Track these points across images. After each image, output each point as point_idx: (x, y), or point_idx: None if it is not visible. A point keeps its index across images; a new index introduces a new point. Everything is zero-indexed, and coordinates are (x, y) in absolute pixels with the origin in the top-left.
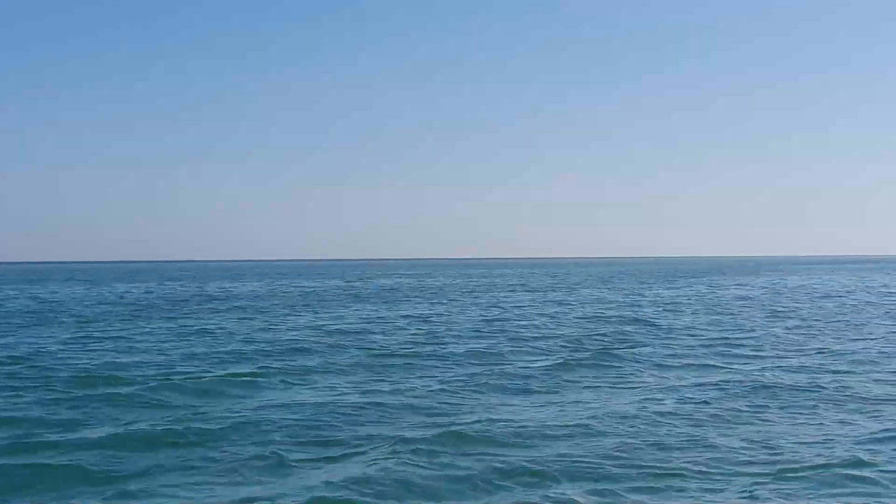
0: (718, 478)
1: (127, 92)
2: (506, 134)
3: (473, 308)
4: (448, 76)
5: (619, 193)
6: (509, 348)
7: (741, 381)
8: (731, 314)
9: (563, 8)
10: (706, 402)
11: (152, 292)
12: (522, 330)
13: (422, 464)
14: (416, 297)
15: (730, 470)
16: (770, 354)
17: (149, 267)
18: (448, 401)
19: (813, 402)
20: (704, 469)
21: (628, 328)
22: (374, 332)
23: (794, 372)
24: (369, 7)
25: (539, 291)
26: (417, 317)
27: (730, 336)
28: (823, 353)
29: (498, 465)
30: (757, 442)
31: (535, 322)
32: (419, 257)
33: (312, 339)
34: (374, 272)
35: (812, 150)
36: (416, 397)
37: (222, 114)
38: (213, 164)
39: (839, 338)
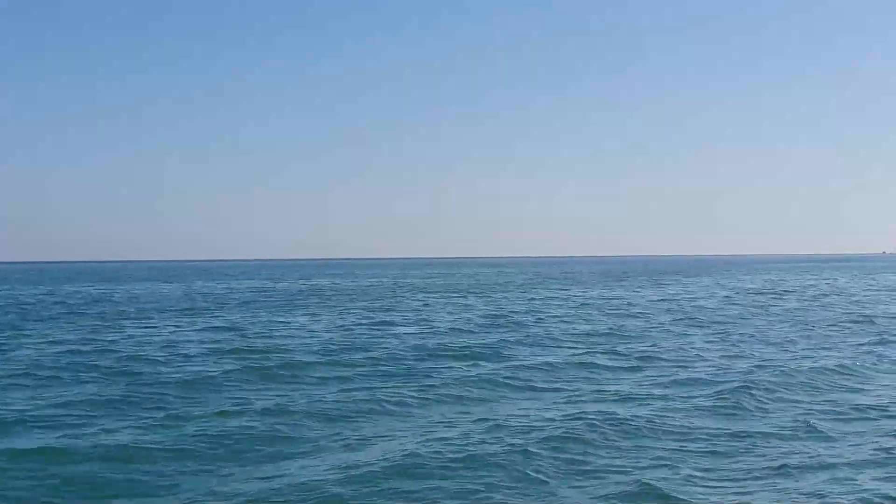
0: None
1: (122, 88)
2: (496, 129)
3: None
4: (441, 72)
5: (610, 191)
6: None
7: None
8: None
9: (557, 3)
10: None
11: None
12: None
13: None
14: (307, 303)
15: None
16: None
17: (128, 267)
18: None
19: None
20: None
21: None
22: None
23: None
24: (365, 4)
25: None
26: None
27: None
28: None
29: None
30: None
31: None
32: (410, 256)
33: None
34: (341, 272)
35: (804, 150)
36: None
37: (222, 113)
38: (209, 163)
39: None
